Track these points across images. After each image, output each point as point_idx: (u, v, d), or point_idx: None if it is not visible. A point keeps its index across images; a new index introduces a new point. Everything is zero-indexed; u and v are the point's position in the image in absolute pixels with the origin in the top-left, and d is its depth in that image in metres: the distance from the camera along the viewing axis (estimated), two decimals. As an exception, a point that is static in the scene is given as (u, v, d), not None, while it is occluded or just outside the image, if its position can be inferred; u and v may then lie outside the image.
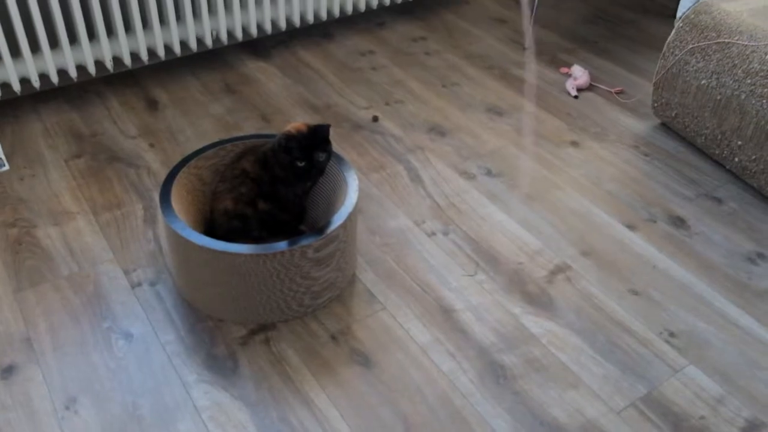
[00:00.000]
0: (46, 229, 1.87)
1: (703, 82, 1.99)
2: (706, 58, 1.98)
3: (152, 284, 1.71)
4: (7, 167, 2.08)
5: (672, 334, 1.61)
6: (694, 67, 2.01)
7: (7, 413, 1.42)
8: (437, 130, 2.27)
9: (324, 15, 2.68)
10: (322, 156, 1.58)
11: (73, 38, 2.29)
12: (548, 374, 1.52)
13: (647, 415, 1.44)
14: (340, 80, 2.52)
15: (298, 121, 1.70)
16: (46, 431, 1.39)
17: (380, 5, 2.85)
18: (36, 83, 2.25)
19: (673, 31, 2.09)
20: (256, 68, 2.58)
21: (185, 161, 1.72)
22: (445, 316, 1.65)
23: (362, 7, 2.76)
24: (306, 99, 2.41)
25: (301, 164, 1.56)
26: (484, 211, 1.95)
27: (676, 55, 2.06)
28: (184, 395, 1.46)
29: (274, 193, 1.61)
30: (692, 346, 1.59)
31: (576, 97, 2.44)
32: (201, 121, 2.29)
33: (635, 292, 1.72)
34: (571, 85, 2.46)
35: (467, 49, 2.74)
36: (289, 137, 1.56)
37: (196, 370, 1.51)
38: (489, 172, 2.09)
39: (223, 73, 2.54)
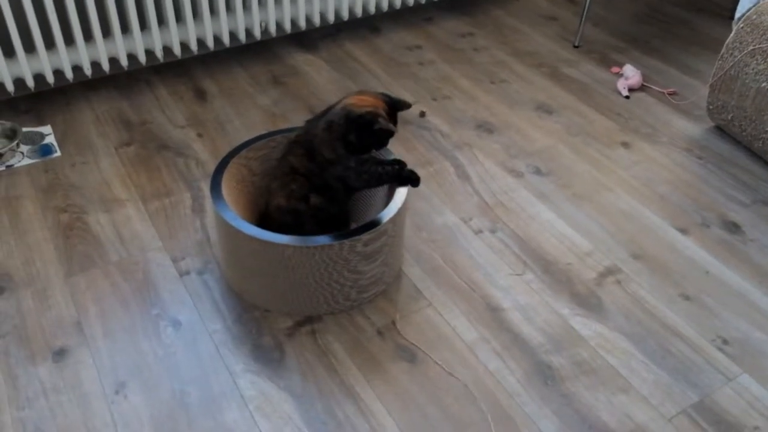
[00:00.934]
0: (96, 215, 1.89)
1: (763, 85, 1.94)
2: None
3: (200, 273, 1.72)
4: (59, 154, 2.11)
5: (725, 342, 1.58)
6: (754, 69, 1.96)
7: (59, 395, 1.43)
8: (485, 127, 2.25)
9: (372, 9, 2.67)
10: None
11: (125, 27, 2.31)
12: (597, 377, 1.50)
13: (699, 423, 1.41)
14: (387, 74, 2.51)
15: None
16: (96, 414, 1.40)
17: (428, 0, 2.83)
18: (88, 71, 2.28)
19: (733, 32, 2.04)
20: (303, 60, 2.58)
21: (235, 152, 1.72)
22: (492, 315, 1.63)
23: (410, 1, 2.75)
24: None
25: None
26: (533, 210, 1.93)
27: (735, 57, 2.01)
28: (230, 384, 1.47)
29: (325, 183, 1.60)
30: (746, 354, 1.55)
31: (627, 97, 2.40)
32: (248, 112, 2.29)
33: (687, 298, 1.68)
34: (622, 85, 2.42)
35: (516, 46, 2.71)
36: (375, 115, 1.53)
37: (242, 360, 1.51)
38: (538, 171, 2.07)
39: (271, 65, 2.55)
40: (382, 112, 1.55)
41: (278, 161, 1.67)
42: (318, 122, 1.59)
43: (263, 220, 1.66)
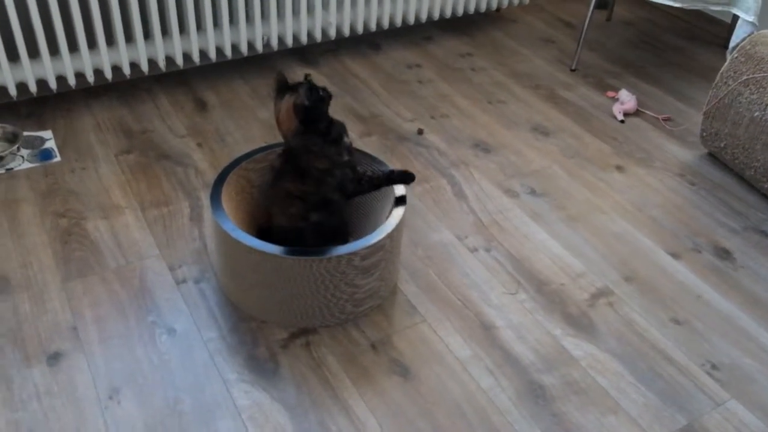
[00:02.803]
0: (95, 221, 1.90)
1: (756, 114, 1.98)
2: (761, 90, 1.97)
3: (196, 282, 1.73)
4: (59, 159, 2.12)
5: (714, 367, 1.60)
6: (748, 99, 2.00)
7: (53, 399, 1.44)
8: (482, 147, 2.28)
9: (373, 26, 2.70)
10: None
11: (129, 36, 2.33)
12: (587, 398, 1.51)
13: (687, 446, 1.43)
14: (387, 91, 2.54)
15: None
16: (89, 419, 1.41)
17: (429, 19, 2.87)
18: (90, 78, 2.30)
19: (728, 61, 2.08)
20: (303, 75, 2.60)
21: (236, 163, 1.74)
22: (485, 333, 1.65)
23: (411, 19, 2.78)
24: (352, 108, 2.43)
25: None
26: (527, 230, 1.95)
27: (729, 86, 2.05)
28: (224, 393, 1.47)
29: (323, 199, 1.62)
30: (735, 380, 1.57)
31: (622, 121, 2.43)
32: (249, 124, 2.31)
33: (677, 322, 1.71)
34: (618, 110, 2.46)
35: (514, 67, 2.74)
36: (311, 87, 1.57)
37: (237, 370, 1.52)
38: (533, 192, 2.09)
39: (272, 78, 2.56)
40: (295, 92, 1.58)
41: (271, 188, 1.65)
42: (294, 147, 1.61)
43: (263, 235, 1.66)
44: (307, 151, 1.58)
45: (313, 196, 1.60)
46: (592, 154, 2.27)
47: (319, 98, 1.58)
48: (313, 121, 1.58)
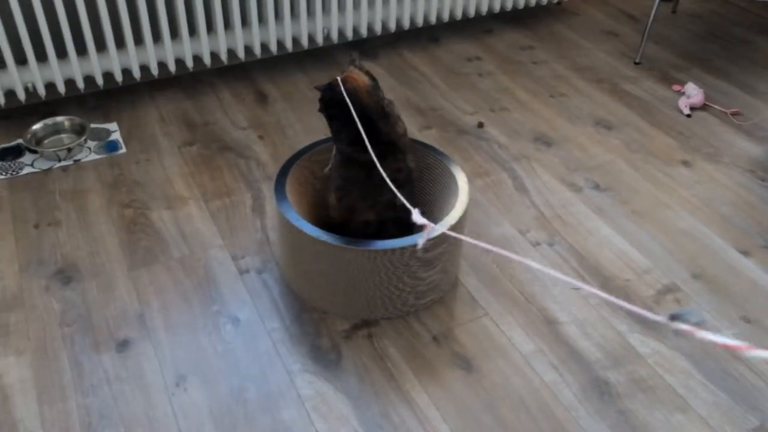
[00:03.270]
0: (159, 212, 1.93)
1: (832, 107, 1.91)
2: (838, 82, 1.90)
3: (259, 272, 1.75)
4: (124, 150, 2.16)
5: (787, 366, 1.55)
6: (824, 91, 1.93)
7: (122, 385, 1.47)
8: (543, 140, 2.25)
9: (433, 18, 2.69)
10: None
11: (192, 30, 2.36)
12: (655, 396, 1.48)
13: (759, 448, 1.39)
14: (446, 84, 2.53)
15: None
16: (157, 405, 1.43)
17: (489, 12, 2.84)
18: (155, 71, 2.33)
19: (802, 53, 2.01)
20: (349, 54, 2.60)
21: (299, 155, 1.75)
22: (548, 328, 1.63)
23: (471, 12, 2.76)
24: (411, 101, 2.42)
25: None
26: (591, 225, 1.92)
27: (803, 78, 1.98)
28: (288, 383, 1.48)
29: (408, 172, 1.59)
30: (809, 380, 1.52)
31: (689, 116, 2.37)
32: (308, 116, 2.33)
33: (748, 320, 1.66)
34: (684, 104, 2.40)
35: (576, 60, 2.70)
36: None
37: (300, 360, 1.53)
38: (596, 186, 2.06)
39: (331, 71, 2.58)
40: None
41: (363, 181, 1.57)
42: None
43: (332, 229, 1.63)
44: (384, 115, 1.53)
45: (403, 172, 1.57)
46: (657, 149, 2.22)
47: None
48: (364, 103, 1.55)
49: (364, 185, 1.58)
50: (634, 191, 2.04)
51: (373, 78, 1.58)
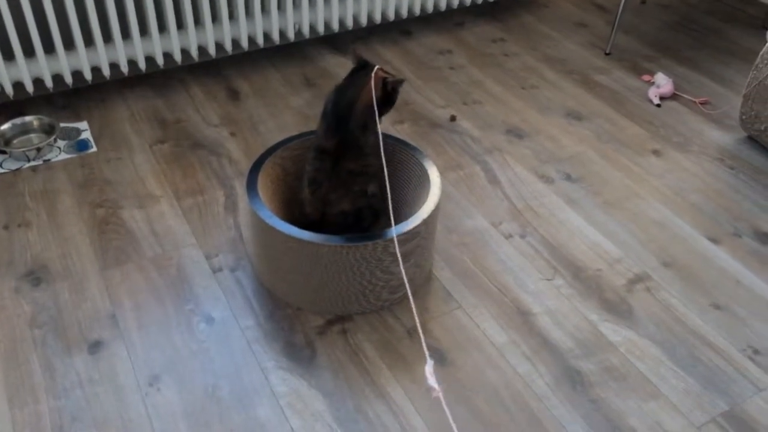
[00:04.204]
0: (131, 211, 1.92)
1: (797, 95, 1.93)
2: (802, 70, 1.92)
3: (232, 270, 1.74)
4: (95, 149, 2.14)
5: (756, 351, 1.57)
6: (789, 80, 1.96)
7: (94, 386, 1.46)
8: (515, 132, 2.26)
9: (405, 12, 2.69)
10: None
11: (162, 26, 2.34)
12: (626, 384, 1.50)
13: (729, 432, 1.41)
14: (418, 78, 2.53)
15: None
16: (131, 406, 1.43)
17: (460, 5, 2.84)
18: (125, 68, 2.31)
19: None
20: (335, 63, 2.60)
21: (271, 151, 1.74)
22: (522, 319, 1.64)
23: (443, 5, 2.76)
24: (384, 95, 2.42)
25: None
26: (563, 216, 1.93)
27: (769, 67, 2.01)
28: (262, 380, 1.48)
29: (377, 168, 1.62)
30: (777, 365, 1.54)
31: (659, 105, 2.39)
32: (281, 112, 2.32)
33: (718, 307, 1.68)
34: (653, 93, 2.42)
35: (546, 52, 2.71)
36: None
37: (274, 357, 1.53)
38: (568, 177, 2.07)
39: (303, 67, 2.57)
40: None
41: (329, 172, 1.60)
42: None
43: (310, 228, 1.64)
44: (364, 128, 1.57)
45: (372, 167, 1.60)
46: (628, 139, 2.24)
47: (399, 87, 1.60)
48: (386, 102, 1.59)
49: (332, 176, 1.60)
50: (605, 181, 2.06)
51: (389, 93, 1.59)
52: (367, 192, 1.61)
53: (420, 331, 1.60)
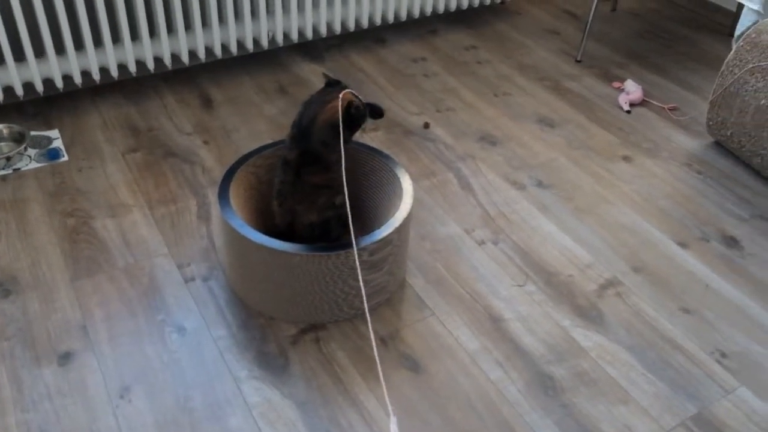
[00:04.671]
0: (102, 220, 1.90)
1: (762, 102, 1.97)
2: (767, 78, 1.96)
3: (205, 279, 1.74)
4: (66, 158, 2.12)
5: (723, 355, 1.59)
6: (754, 87, 1.99)
7: (64, 399, 1.45)
8: (488, 139, 2.28)
9: (378, 20, 2.70)
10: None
11: (135, 34, 2.33)
12: (597, 388, 1.51)
13: (697, 436, 1.43)
14: (392, 85, 2.54)
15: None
16: (101, 418, 1.41)
17: (434, 12, 2.86)
18: (96, 76, 2.30)
19: (733, 50, 2.07)
20: (309, 70, 2.60)
21: (244, 160, 1.74)
22: (494, 325, 1.65)
23: (416, 13, 2.78)
24: (358, 103, 2.42)
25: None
26: (535, 222, 1.95)
27: (735, 74, 2.04)
28: (235, 390, 1.48)
29: (341, 181, 1.61)
30: (744, 367, 1.57)
31: (628, 112, 2.42)
32: (255, 120, 2.32)
33: (687, 311, 1.70)
34: (623, 100, 2.45)
35: (519, 59, 2.74)
36: (355, 105, 1.59)
37: (247, 367, 1.53)
38: (540, 184, 2.09)
39: (277, 74, 2.57)
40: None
41: (293, 185, 1.62)
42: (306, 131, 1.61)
43: (282, 237, 1.64)
44: (325, 144, 1.58)
45: (336, 180, 1.60)
46: (598, 145, 2.26)
47: (364, 114, 1.62)
48: (350, 126, 1.60)
49: (296, 188, 1.61)
50: (576, 187, 2.08)
51: (354, 118, 1.60)
52: (335, 203, 1.62)
53: (384, 386, 1.60)
